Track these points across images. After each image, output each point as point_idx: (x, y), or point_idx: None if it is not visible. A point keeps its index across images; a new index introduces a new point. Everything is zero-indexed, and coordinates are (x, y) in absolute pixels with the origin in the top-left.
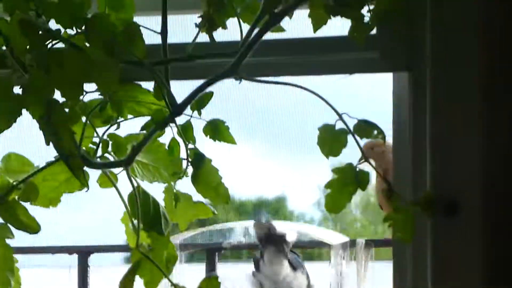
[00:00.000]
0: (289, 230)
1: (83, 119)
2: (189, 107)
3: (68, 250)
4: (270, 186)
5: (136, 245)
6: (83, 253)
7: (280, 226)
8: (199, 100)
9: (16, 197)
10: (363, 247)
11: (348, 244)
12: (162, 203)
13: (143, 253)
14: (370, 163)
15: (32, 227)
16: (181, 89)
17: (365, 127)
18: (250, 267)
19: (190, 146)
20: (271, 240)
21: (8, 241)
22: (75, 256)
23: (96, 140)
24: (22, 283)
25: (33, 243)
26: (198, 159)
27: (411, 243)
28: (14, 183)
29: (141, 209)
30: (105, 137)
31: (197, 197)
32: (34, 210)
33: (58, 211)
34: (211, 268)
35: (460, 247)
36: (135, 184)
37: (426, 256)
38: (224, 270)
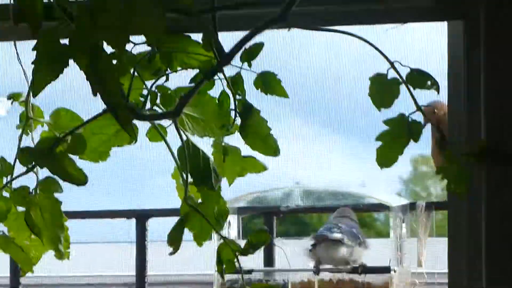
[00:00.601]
0: (342, 237)
1: (132, 71)
2: (239, 59)
3: (126, 214)
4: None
5: (185, 197)
6: (142, 217)
7: (334, 236)
8: (249, 50)
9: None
10: (424, 209)
11: (408, 206)
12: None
13: (191, 205)
14: (432, 124)
15: (79, 179)
16: (231, 42)
17: (417, 77)
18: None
19: (238, 97)
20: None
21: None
22: (133, 221)
23: (145, 93)
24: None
25: (88, 207)
26: (246, 110)
27: (466, 198)
28: (61, 135)
29: (191, 163)
30: (153, 89)
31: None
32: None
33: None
34: (269, 232)
35: None
36: (184, 138)
37: (481, 211)
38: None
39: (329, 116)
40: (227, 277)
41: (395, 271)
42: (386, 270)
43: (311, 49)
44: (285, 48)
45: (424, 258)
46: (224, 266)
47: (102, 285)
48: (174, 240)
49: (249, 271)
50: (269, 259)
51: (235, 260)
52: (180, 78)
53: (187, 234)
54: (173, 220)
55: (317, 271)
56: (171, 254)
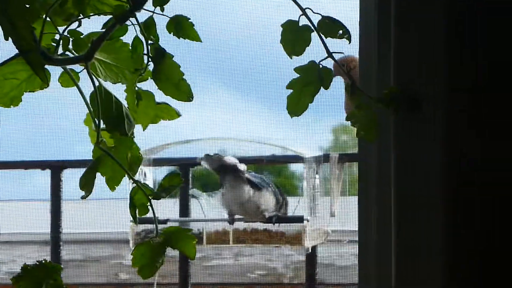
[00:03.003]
0: (237, 162)
1: (44, 16)
2: (151, 3)
3: (41, 165)
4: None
5: (97, 141)
6: (56, 168)
7: (229, 158)
8: None
9: None
10: (337, 160)
11: (321, 158)
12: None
13: (103, 149)
14: (344, 72)
15: None
16: None
17: (330, 25)
18: None
19: (151, 42)
20: (225, 170)
21: None
22: (48, 172)
23: (58, 38)
24: None
25: (4, 157)
26: (159, 55)
27: (376, 147)
28: None
29: (103, 109)
30: (66, 34)
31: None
32: None
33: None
34: (185, 183)
35: (422, 144)
36: (97, 83)
37: (390, 157)
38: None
39: (242, 70)
40: (142, 227)
41: (308, 221)
42: (299, 219)
43: None
44: None
45: (337, 208)
46: (137, 210)
47: (16, 242)
48: (86, 183)
49: (165, 221)
50: (184, 210)
51: (148, 204)
52: (94, 24)
53: (104, 194)
54: None
55: (231, 221)
56: (83, 197)
